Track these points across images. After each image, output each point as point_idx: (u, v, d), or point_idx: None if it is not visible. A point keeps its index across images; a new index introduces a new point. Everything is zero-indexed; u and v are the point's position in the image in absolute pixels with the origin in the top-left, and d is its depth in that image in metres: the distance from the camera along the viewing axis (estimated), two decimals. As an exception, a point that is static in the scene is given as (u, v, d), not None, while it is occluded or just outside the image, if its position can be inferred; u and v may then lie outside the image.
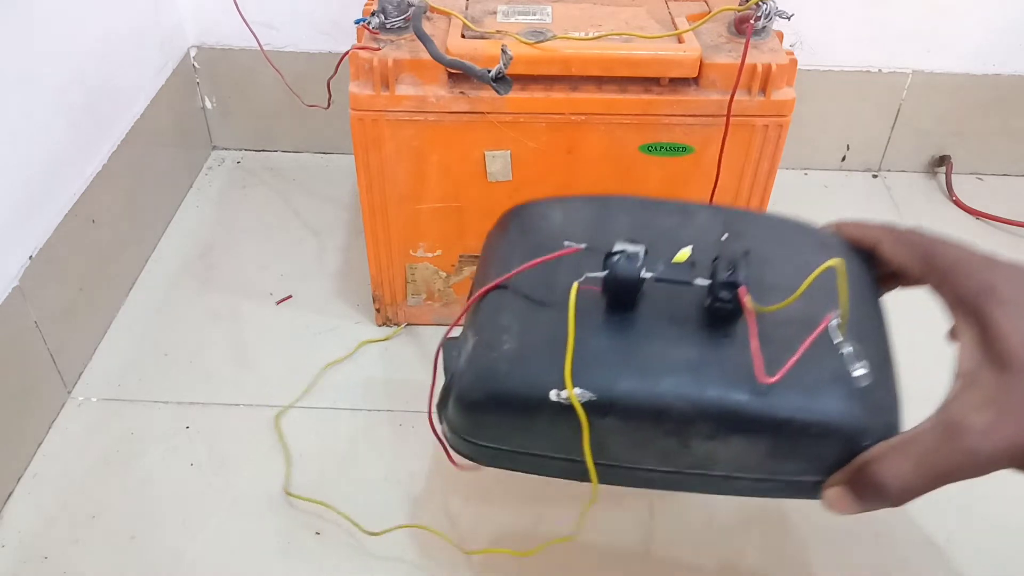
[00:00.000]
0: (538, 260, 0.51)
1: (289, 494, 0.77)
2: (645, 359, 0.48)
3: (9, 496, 0.77)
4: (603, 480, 0.51)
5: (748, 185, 0.83)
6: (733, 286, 0.47)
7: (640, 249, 0.48)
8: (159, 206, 1.10)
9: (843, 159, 1.23)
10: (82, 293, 0.89)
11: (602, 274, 0.48)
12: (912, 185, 1.22)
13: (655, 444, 0.48)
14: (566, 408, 0.46)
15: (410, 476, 0.79)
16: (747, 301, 0.46)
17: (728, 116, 0.76)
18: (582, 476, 0.52)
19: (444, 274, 0.91)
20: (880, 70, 1.15)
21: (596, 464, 0.50)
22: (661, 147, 0.80)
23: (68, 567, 0.72)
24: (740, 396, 0.46)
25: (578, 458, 0.49)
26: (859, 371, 0.46)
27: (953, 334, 0.46)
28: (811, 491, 0.48)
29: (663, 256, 0.50)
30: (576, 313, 0.48)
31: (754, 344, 0.46)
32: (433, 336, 0.94)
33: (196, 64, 1.16)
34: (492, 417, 0.51)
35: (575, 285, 0.48)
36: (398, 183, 0.83)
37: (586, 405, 0.46)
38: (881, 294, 0.54)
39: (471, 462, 0.53)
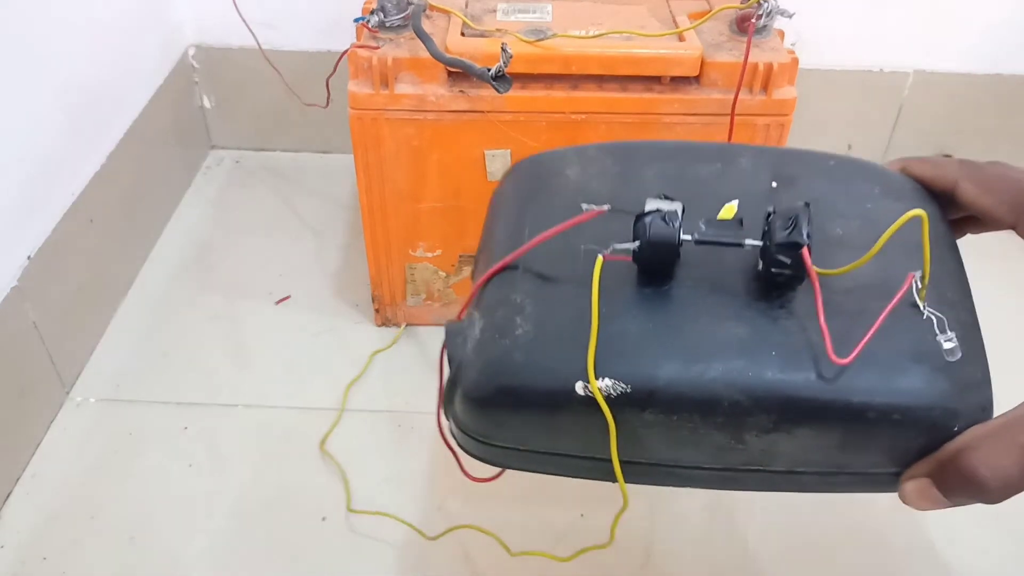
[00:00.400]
0: (553, 230, 0.43)
1: (353, 511, 0.77)
2: (688, 340, 0.40)
3: (8, 497, 0.77)
4: (641, 481, 0.44)
5: (749, 184, 0.82)
6: (795, 247, 0.39)
7: (677, 206, 0.41)
8: (158, 206, 1.09)
9: (844, 158, 1.23)
10: (81, 293, 0.89)
11: (632, 244, 0.40)
12: (913, 184, 1.22)
13: (703, 440, 0.41)
14: (595, 402, 0.39)
15: (411, 475, 0.79)
16: (811, 264, 0.39)
17: (732, 115, 0.75)
18: (616, 478, 0.44)
19: (444, 274, 0.91)
20: (881, 70, 1.15)
21: (633, 463, 0.44)
22: (662, 146, 0.80)
23: (67, 567, 0.71)
24: (807, 380, 0.39)
25: (606, 457, 0.42)
26: (949, 343, 0.39)
27: None
28: (889, 483, 0.42)
29: (704, 213, 0.42)
30: (601, 289, 0.40)
31: (820, 317, 0.39)
32: (433, 336, 0.93)
33: (195, 63, 1.16)
34: (507, 414, 0.43)
35: (599, 259, 0.40)
36: (397, 182, 0.82)
37: (618, 399, 0.39)
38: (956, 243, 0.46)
39: (487, 475, 0.47)
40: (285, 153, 1.24)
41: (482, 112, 0.77)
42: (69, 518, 0.75)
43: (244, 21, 1.03)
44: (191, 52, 1.15)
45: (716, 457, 0.42)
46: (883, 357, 0.39)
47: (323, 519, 0.75)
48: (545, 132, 0.79)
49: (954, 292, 0.42)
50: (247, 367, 0.90)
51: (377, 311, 0.94)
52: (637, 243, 0.40)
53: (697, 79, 0.77)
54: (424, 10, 0.79)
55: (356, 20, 0.78)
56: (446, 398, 0.45)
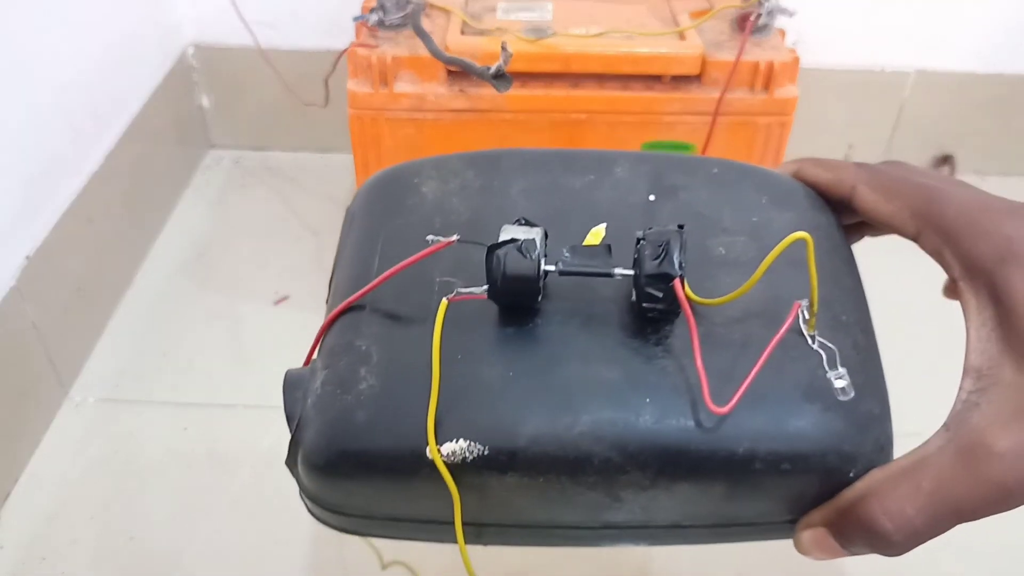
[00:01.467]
0: (399, 266, 0.37)
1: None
2: (554, 389, 0.35)
3: (7, 497, 0.76)
4: (514, 543, 0.40)
5: (750, 184, 0.82)
6: (666, 278, 0.34)
7: (536, 234, 0.36)
8: (157, 205, 1.09)
9: (845, 158, 1.23)
10: (79, 293, 0.89)
11: (482, 288, 0.35)
12: (914, 184, 1.21)
13: (576, 500, 0.36)
14: (456, 467, 0.34)
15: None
16: (684, 297, 0.34)
17: (716, 113, 0.75)
18: (489, 539, 0.39)
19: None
20: (883, 69, 1.14)
21: (502, 525, 0.39)
22: (663, 145, 0.79)
23: (66, 568, 0.71)
24: (684, 430, 0.34)
25: (475, 521, 0.37)
26: (840, 381, 0.35)
27: (950, 292, 0.36)
28: (786, 532, 0.38)
29: (570, 238, 0.37)
30: (455, 331, 0.35)
31: (697, 357, 0.34)
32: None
33: (194, 62, 1.16)
34: (353, 482, 0.37)
35: (443, 304, 0.34)
36: (397, 182, 0.82)
37: (474, 462, 0.34)
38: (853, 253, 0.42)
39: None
40: (284, 152, 1.24)
41: (482, 111, 0.77)
42: (68, 518, 0.75)
43: (243, 20, 1.03)
44: (190, 51, 1.15)
45: (592, 516, 0.37)
46: (770, 398, 0.35)
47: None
48: (545, 131, 0.78)
49: (850, 313, 0.38)
50: (247, 367, 0.90)
51: (377, 311, 0.94)
52: (486, 286, 0.35)
53: (698, 78, 0.77)
54: (424, 8, 0.79)
55: (355, 19, 0.78)
56: (290, 460, 0.40)
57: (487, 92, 0.75)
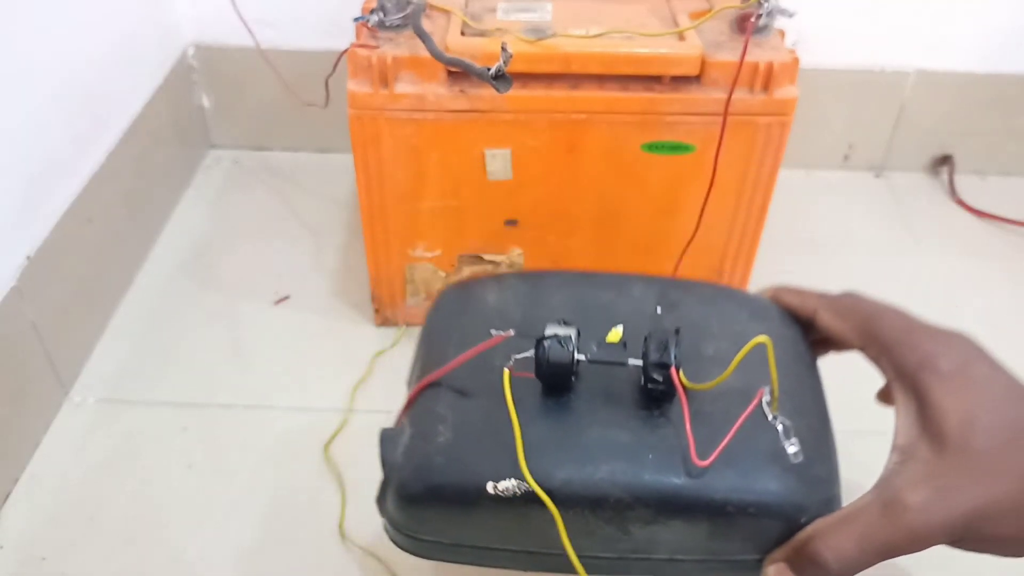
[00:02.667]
0: (468, 353, 0.50)
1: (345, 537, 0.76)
2: (581, 446, 0.47)
3: (7, 497, 0.76)
4: (545, 568, 0.51)
5: (750, 184, 0.82)
6: (664, 367, 0.47)
7: (571, 331, 0.48)
8: (157, 205, 1.09)
9: (845, 158, 1.23)
10: (79, 293, 0.89)
11: (528, 353, 0.48)
12: (914, 184, 1.21)
13: (596, 532, 0.48)
14: (504, 500, 0.47)
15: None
16: (679, 381, 0.47)
17: (725, 115, 0.75)
18: (525, 566, 0.51)
19: (443, 274, 0.90)
20: (883, 69, 1.14)
21: (536, 553, 0.50)
22: (663, 146, 0.79)
23: (66, 569, 0.71)
24: (675, 480, 0.46)
25: (518, 548, 0.50)
26: (792, 447, 0.46)
27: (884, 396, 0.47)
28: (755, 569, 0.48)
29: (596, 335, 0.50)
30: (512, 400, 0.48)
31: (687, 426, 0.47)
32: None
33: (193, 63, 1.16)
34: (431, 511, 0.49)
35: (506, 373, 0.48)
36: (397, 182, 0.82)
37: (522, 496, 0.46)
38: (817, 359, 0.55)
39: None
40: (284, 153, 1.24)
41: (482, 112, 0.77)
42: (68, 519, 0.75)
43: (243, 20, 1.03)
44: (190, 51, 1.15)
45: (607, 546, 0.49)
46: (741, 458, 0.46)
47: (322, 521, 0.75)
48: (545, 131, 0.78)
49: (808, 403, 0.50)
50: (247, 367, 0.90)
51: (377, 311, 0.94)
52: (537, 358, 0.48)
53: (698, 78, 0.77)
54: (424, 9, 0.79)
55: (356, 19, 0.78)
56: (381, 497, 0.52)
57: (487, 93, 0.75)
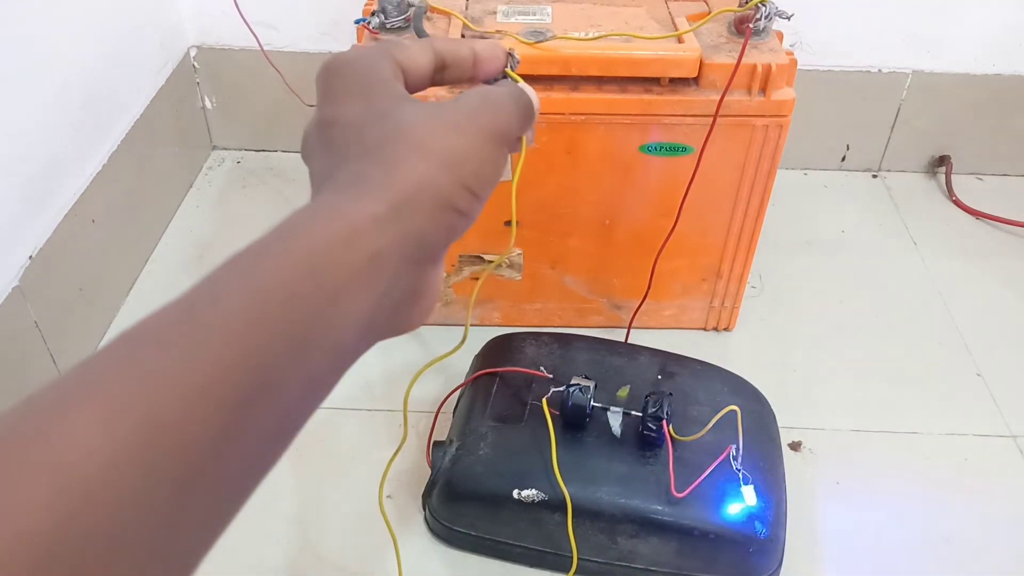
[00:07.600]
0: (517, 368, 0.73)
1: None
2: (588, 471, 0.66)
3: (9, 496, 0.77)
4: (546, 567, 0.68)
5: (748, 185, 0.83)
6: (658, 420, 0.65)
7: (590, 384, 0.67)
8: (159, 206, 1.10)
9: (843, 159, 1.23)
10: (82, 293, 0.89)
11: (560, 389, 0.68)
12: (912, 185, 1.22)
13: (591, 538, 0.65)
14: (525, 504, 0.65)
15: (408, 474, 0.79)
16: (668, 433, 0.65)
17: (715, 116, 0.76)
18: (531, 562, 0.69)
19: (444, 274, 0.91)
20: (880, 70, 1.15)
21: (542, 552, 0.68)
22: (661, 147, 0.80)
23: (68, 567, 0.71)
24: (656, 506, 0.64)
25: (529, 546, 0.68)
26: (749, 493, 0.64)
27: None
28: None
29: (609, 390, 0.69)
30: (534, 429, 0.68)
31: (670, 466, 0.64)
32: (433, 336, 0.93)
33: (196, 64, 1.16)
34: (467, 507, 0.68)
35: (544, 401, 0.68)
36: (398, 183, 0.82)
37: (538, 503, 0.65)
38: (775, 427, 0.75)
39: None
40: (286, 153, 1.24)
41: (482, 113, 0.77)
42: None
43: (246, 22, 1.03)
44: (192, 53, 1.15)
45: (598, 552, 0.66)
46: (708, 496, 0.64)
47: (323, 521, 0.76)
48: (545, 133, 0.79)
49: (767, 464, 0.69)
50: (248, 367, 0.90)
51: (377, 311, 0.94)
52: (564, 399, 0.67)
53: (696, 80, 0.77)
54: (425, 12, 0.79)
55: (357, 22, 0.79)
56: (427, 493, 0.70)
57: (487, 94, 0.76)
